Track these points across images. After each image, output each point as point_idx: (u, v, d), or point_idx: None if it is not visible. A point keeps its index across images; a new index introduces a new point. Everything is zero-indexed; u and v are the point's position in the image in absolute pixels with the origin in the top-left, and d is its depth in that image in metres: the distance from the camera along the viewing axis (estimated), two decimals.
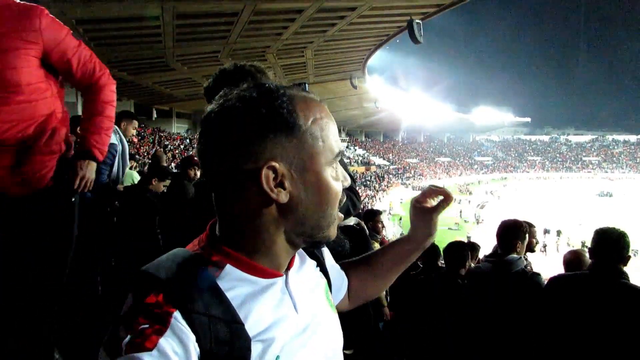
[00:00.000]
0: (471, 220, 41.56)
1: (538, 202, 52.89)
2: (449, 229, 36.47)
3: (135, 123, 4.20)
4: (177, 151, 29.85)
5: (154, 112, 33.25)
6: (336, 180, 0.73)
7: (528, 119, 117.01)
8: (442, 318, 3.26)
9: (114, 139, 3.84)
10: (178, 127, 37.29)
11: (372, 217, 5.21)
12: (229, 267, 0.70)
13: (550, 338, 2.54)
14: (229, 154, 0.68)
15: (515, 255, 2.89)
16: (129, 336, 0.57)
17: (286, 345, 0.69)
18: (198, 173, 4.94)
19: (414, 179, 61.99)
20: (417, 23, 14.76)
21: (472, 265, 4.76)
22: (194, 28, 15.02)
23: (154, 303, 0.61)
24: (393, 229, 34.13)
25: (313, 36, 18.06)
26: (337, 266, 1.07)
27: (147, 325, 0.58)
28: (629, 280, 2.40)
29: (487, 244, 4.42)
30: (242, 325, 0.65)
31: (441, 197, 1.00)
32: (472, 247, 5.07)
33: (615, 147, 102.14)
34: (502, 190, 65.35)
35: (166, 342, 0.58)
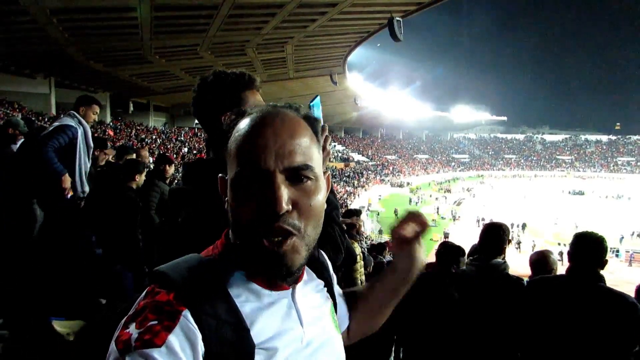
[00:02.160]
0: (448, 217, 42.17)
1: (513, 199, 53.98)
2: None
3: (96, 108, 4.14)
4: (154, 145, 29.35)
5: (131, 105, 32.64)
6: (239, 198, 0.68)
7: (504, 118, 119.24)
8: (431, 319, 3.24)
9: (71, 122, 3.87)
10: (155, 121, 36.60)
11: (351, 217, 5.23)
12: (238, 274, 0.72)
13: (532, 340, 2.57)
14: None
15: (499, 260, 2.90)
16: (138, 332, 0.59)
17: (289, 358, 0.71)
18: (170, 169, 4.90)
19: (393, 176, 62.46)
20: (398, 20, 14.88)
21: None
22: (172, 20, 14.81)
23: (164, 301, 0.63)
24: (371, 225, 34.40)
25: (293, 31, 17.99)
26: (344, 305, 1.05)
27: (156, 322, 0.60)
28: (605, 284, 2.44)
29: (463, 241, 4.48)
30: (248, 331, 0.66)
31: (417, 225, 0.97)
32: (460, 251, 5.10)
33: (588, 147, 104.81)
34: (479, 188, 66.54)
35: (174, 338, 0.59)
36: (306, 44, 20.69)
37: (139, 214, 4.12)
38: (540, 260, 3.41)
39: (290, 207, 0.67)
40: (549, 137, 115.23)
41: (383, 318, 1.11)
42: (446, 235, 31.91)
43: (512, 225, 35.09)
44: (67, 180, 3.74)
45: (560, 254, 24.25)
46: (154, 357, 0.57)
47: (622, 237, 33.03)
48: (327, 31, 18.66)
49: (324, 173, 0.77)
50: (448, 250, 3.53)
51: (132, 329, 0.60)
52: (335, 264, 1.53)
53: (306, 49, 21.81)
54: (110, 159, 5.15)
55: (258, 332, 0.67)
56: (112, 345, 0.59)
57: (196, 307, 0.63)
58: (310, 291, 0.83)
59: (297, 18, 16.03)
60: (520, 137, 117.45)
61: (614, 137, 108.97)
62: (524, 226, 37.01)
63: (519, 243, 30.29)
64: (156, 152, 23.71)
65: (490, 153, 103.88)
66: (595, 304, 2.35)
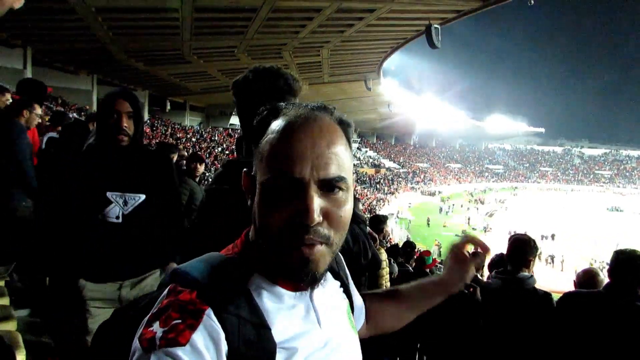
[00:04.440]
0: (479, 228, 41.28)
1: (547, 213, 52.40)
2: (455, 235, 36.25)
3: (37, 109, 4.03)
4: (189, 144, 29.99)
5: (168, 104, 33.48)
6: (266, 207, 0.67)
7: (542, 130, 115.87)
8: (451, 327, 3.21)
9: None
10: (191, 120, 37.49)
11: (378, 224, 5.17)
12: (257, 274, 0.73)
13: (561, 356, 2.50)
14: None
15: (527, 273, 2.84)
16: (162, 330, 0.59)
17: (309, 358, 0.71)
18: (200, 168, 4.93)
19: (424, 184, 61.77)
20: (436, 28, 14.72)
21: (477, 274, 4.71)
22: (212, 22, 15.13)
23: (187, 300, 0.63)
24: (400, 232, 34.01)
25: (330, 36, 18.06)
26: (359, 297, 1.06)
27: (180, 321, 0.60)
28: None
29: (493, 253, 4.38)
30: (269, 330, 0.67)
31: (478, 249, 1.03)
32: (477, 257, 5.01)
33: (629, 162, 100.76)
34: (512, 200, 64.88)
35: (198, 337, 0.60)
36: (342, 49, 20.73)
37: None
38: (588, 280, 3.30)
39: (321, 218, 0.66)
40: (588, 151, 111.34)
41: (407, 320, 1.13)
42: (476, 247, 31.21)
43: (542, 237, 34.79)
44: None
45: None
46: (179, 355, 0.57)
47: None
48: (364, 37, 18.67)
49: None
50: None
51: (156, 328, 0.60)
52: (361, 267, 1.50)
53: (342, 53, 21.86)
54: None
55: (279, 332, 0.68)
56: (136, 343, 0.60)
57: (219, 305, 0.63)
58: (327, 292, 0.83)
59: (334, 23, 16.09)
60: (558, 149, 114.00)
61: None
62: (552, 236, 36.57)
63: (552, 257, 29.33)
64: (190, 151, 24.19)
65: (525, 165, 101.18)
66: (630, 322, 2.28)
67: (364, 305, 1.06)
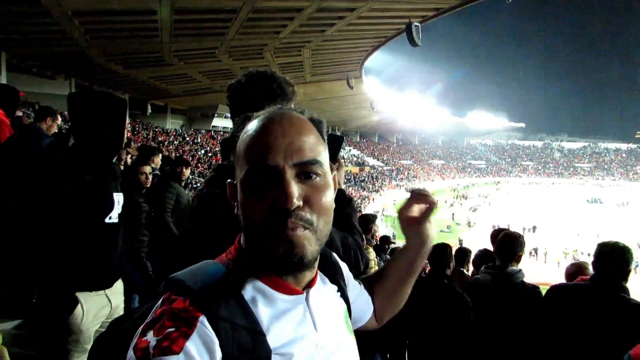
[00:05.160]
0: (463, 223, 41.78)
1: (529, 206, 53.26)
2: (440, 231, 36.66)
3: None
4: (171, 147, 29.69)
5: (149, 107, 33.08)
6: (249, 199, 0.68)
7: (522, 125, 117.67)
8: (435, 321, 3.24)
9: None
10: (173, 123, 37.06)
11: (367, 223, 5.21)
12: (252, 280, 0.72)
13: (548, 349, 2.54)
14: None
15: (515, 268, 2.90)
16: (155, 339, 0.59)
17: None
18: (186, 172, 4.87)
19: (408, 181, 62.17)
20: (416, 26, 14.82)
21: (464, 270, 4.75)
22: (191, 24, 14.98)
23: (181, 308, 0.63)
24: (386, 230, 34.19)
25: (311, 35, 18.06)
26: (366, 295, 1.08)
27: (173, 329, 0.60)
28: (629, 295, 2.40)
29: (477, 247, 4.47)
30: (264, 335, 0.66)
31: (424, 205, 1.00)
32: (464, 252, 5.07)
33: (607, 155, 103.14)
34: (495, 194, 65.79)
35: (192, 345, 0.59)
36: (323, 48, 20.76)
37: (141, 215, 4.06)
38: (576, 273, 3.38)
39: (302, 202, 0.67)
40: (567, 145, 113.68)
41: (405, 295, 1.13)
42: (460, 242, 31.64)
43: (524, 229, 35.58)
44: None
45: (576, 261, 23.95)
46: None
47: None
48: (345, 35, 18.70)
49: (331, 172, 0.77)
50: (437, 252, 3.56)
51: (150, 337, 0.60)
52: (359, 269, 1.51)
53: (323, 53, 21.88)
54: (129, 159, 5.13)
55: (274, 337, 0.68)
56: (130, 353, 0.60)
57: (212, 313, 0.63)
58: (324, 296, 0.83)
59: (315, 22, 16.09)
60: (539, 144, 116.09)
61: (634, 146, 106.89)
62: (534, 229, 37.87)
63: (535, 250, 29.86)
64: (174, 155, 23.95)
65: (507, 160, 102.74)
66: (615, 314, 2.33)
67: (371, 305, 1.08)
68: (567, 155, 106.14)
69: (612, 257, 2.44)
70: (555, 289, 2.72)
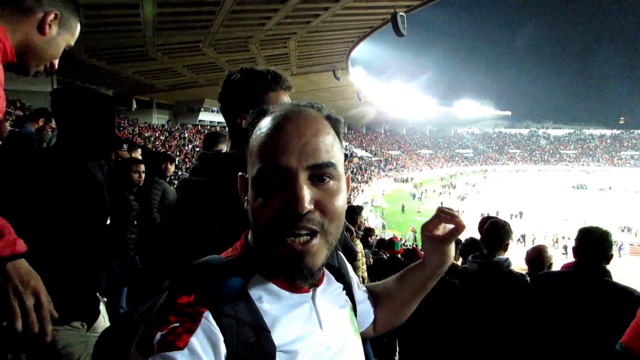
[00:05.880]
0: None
1: (517, 194, 53.87)
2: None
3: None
4: (157, 142, 29.40)
5: (134, 102, 32.66)
6: (259, 201, 0.66)
7: (508, 113, 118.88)
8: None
9: None
10: (158, 119, 36.68)
11: (353, 214, 5.21)
12: (258, 276, 0.72)
13: (537, 336, 2.56)
14: None
15: (502, 257, 2.91)
16: (160, 334, 0.59)
17: None
18: (171, 168, 4.80)
19: (397, 171, 62.46)
20: (401, 16, 14.75)
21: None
22: (174, 17, 14.78)
23: (185, 303, 0.63)
24: (375, 220, 34.35)
25: (297, 27, 17.93)
26: (369, 304, 1.06)
27: (178, 324, 0.60)
28: (611, 278, 2.43)
29: (466, 235, 4.48)
30: (269, 332, 0.66)
31: (451, 225, 0.95)
32: (455, 242, 5.11)
33: (592, 141, 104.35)
34: (483, 183, 66.38)
35: (196, 341, 0.59)
36: (309, 40, 20.64)
37: (131, 212, 4.03)
38: (536, 257, 3.46)
39: (313, 206, 0.66)
40: (553, 132, 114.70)
41: (410, 311, 1.10)
42: None
43: (511, 216, 36.55)
44: None
45: (565, 247, 24.24)
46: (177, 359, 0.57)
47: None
48: (330, 27, 18.61)
49: (345, 173, 0.75)
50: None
51: (155, 332, 0.60)
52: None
53: (309, 45, 21.75)
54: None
55: (279, 335, 0.67)
56: (135, 349, 0.60)
57: (217, 308, 0.63)
58: (330, 295, 0.83)
59: (300, 14, 15.97)
60: (525, 131, 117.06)
61: (617, 132, 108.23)
62: (520, 214, 38.83)
63: (523, 237, 30.24)
64: (160, 150, 23.75)
65: (494, 148, 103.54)
66: (602, 299, 2.36)
67: (372, 307, 1.07)
68: (553, 143, 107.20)
69: (594, 242, 2.47)
70: (540, 278, 2.75)
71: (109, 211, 1.95)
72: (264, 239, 0.67)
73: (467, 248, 4.00)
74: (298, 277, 0.70)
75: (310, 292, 0.76)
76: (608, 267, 2.49)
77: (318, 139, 0.68)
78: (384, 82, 55.29)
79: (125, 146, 4.75)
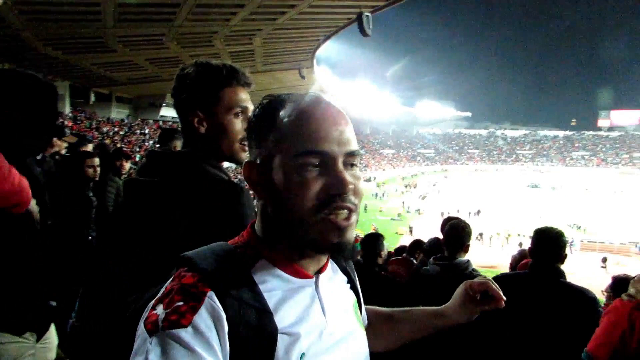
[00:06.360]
0: (413, 211, 42.94)
1: (476, 193, 55.52)
2: (392, 219, 37.54)
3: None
4: (116, 138, 28.48)
5: (92, 95, 31.46)
6: (300, 181, 0.70)
7: (469, 114, 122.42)
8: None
9: None
10: (118, 113, 35.44)
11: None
12: (263, 261, 0.74)
13: (495, 338, 2.57)
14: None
15: (463, 258, 2.91)
16: (165, 312, 0.62)
17: (312, 346, 0.71)
18: (127, 165, 4.62)
19: (360, 170, 62.80)
20: (367, 16, 14.88)
21: (414, 259, 4.88)
22: (136, 8, 14.33)
23: (190, 283, 0.66)
24: None
25: (262, 24, 17.76)
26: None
27: (182, 303, 0.63)
28: (566, 279, 2.51)
29: (427, 234, 4.59)
30: (271, 314, 0.68)
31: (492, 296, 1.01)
32: (418, 243, 5.21)
33: (546, 142, 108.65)
34: (443, 182, 68.01)
35: (200, 318, 0.62)
36: (275, 37, 20.48)
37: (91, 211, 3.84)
38: (520, 260, 3.45)
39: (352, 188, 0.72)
40: (510, 133, 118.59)
41: (401, 343, 1.11)
42: (411, 229, 32.51)
43: (469, 213, 37.76)
44: None
45: (520, 244, 25.14)
46: (181, 337, 0.60)
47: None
48: (296, 25, 18.53)
49: None
50: (368, 241, 3.69)
51: (160, 310, 0.63)
52: None
53: (275, 42, 21.58)
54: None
55: (281, 317, 0.69)
56: (141, 326, 0.63)
57: (221, 288, 0.65)
58: (334, 284, 0.85)
59: (266, 10, 15.81)
60: (484, 132, 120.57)
61: (569, 133, 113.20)
62: (478, 212, 40.23)
63: (481, 234, 31.17)
64: (120, 145, 23.04)
65: (454, 148, 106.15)
66: (557, 300, 2.40)
67: (366, 320, 1.06)
68: (510, 143, 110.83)
69: (549, 243, 2.52)
70: (497, 279, 2.81)
71: (50, 210, 1.78)
72: (307, 217, 0.70)
73: (431, 249, 3.98)
74: (338, 250, 0.73)
75: (314, 278, 0.78)
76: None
77: (349, 128, 0.75)
78: (348, 82, 55.67)
79: (67, 132, 4.51)
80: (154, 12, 14.91)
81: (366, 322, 1.05)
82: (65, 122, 24.81)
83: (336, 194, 0.70)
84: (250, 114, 1.24)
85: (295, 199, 0.70)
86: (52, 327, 1.82)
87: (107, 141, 25.09)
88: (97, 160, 3.84)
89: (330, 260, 0.86)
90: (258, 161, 0.75)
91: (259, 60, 24.27)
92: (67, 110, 28.75)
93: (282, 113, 0.73)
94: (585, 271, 20.71)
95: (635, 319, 1.50)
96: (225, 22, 16.71)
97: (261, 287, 0.70)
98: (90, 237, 3.80)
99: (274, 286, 0.72)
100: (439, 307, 1.08)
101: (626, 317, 1.51)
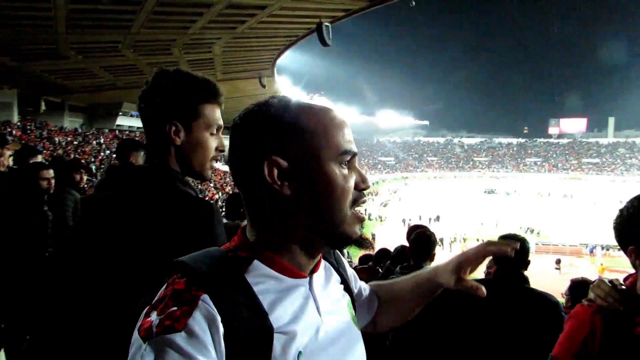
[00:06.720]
0: (375, 218, 43.48)
1: (435, 199, 56.90)
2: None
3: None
4: (70, 148, 27.40)
5: (43, 104, 30.13)
6: (344, 177, 0.75)
7: (427, 122, 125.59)
8: None
9: None
10: (71, 122, 34.04)
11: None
12: (256, 263, 0.74)
13: (460, 346, 2.58)
14: (242, 151, 0.76)
15: (429, 267, 2.94)
16: (159, 318, 0.62)
17: (309, 344, 0.72)
18: (84, 177, 4.39)
19: None
20: (327, 26, 15.07)
21: (379, 268, 4.91)
22: (91, 14, 13.89)
23: (184, 288, 0.66)
24: None
25: (222, 32, 17.65)
26: (367, 290, 1.09)
27: (175, 308, 0.63)
28: (530, 285, 2.57)
29: (390, 240, 4.62)
30: (266, 314, 0.68)
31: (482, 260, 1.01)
32: (385, 252, 5.25)
33: (501, 149, 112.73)
34: (404, 189, 69.30)
35: (194, 322, 0.61)
36: (235, 46, 20.38)
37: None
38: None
39: None
40: (467, 141, 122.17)
41: (410, 317, 1.12)
42: (373, 236, 32.81)
43: (429, 219, 38.57)
44: None
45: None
46: (175, 341, 0.59)
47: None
48: (256, 33, 18.52)
49: None
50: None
51: (154, 317, 0.63)
52: None
53: (235, 51, 21.48)
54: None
55: (277, 317, 0.69)
56: (135, 333, 0.63)
57: (214, 291, 0.65)
58: (327, 283, 0.87)
59: (225, 19, 15.74)
60: (441, 140, 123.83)
61: (522, 140, 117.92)
62: (437, 218, 41.24)
63: (441, 240, 31.82)
64: (73, 156, 22.18)
65: (414, 156, 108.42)
66: (521, 306, 2.43)
67: (375, 302, 1.10)
68: (467, 150, 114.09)
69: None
70: None
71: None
72: (347, 211, 0.75)
73: (397, 257, 3.90)
74: (361, 243, 0.79)
75: (308, 278, 0.79)
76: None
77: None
78: (309, 91, 55.93)
79: (9, 139, 4.28)
80: (110, 18, 14.49)
81: (369, 317, 1.08)
82: (14, 132, 23.72)
83: (364, 189, 0.78)
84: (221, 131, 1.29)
85: (341, 196, 0.74)
86: (2, 353, 1.74)
87: (60, 151, 24.13)
88: (51, 172, 3.65)
89: (323, 260, 0.88)
90: (285, 163, 0.72)
91: (219, 68, 24.08)
92: (16, 119, 27.42)
93: (302, 117, 0.75)
94: (541, 273, 21.53)
95: (595, 322, 1.56)
96: (183, 30, 16.50)
97: (255, 288, 0.70)
98: (46, 254, 3.63)
99: (268, 287, 0.72)
100: (428, 270, 1.07)
101: (587, 322, 1.57)
